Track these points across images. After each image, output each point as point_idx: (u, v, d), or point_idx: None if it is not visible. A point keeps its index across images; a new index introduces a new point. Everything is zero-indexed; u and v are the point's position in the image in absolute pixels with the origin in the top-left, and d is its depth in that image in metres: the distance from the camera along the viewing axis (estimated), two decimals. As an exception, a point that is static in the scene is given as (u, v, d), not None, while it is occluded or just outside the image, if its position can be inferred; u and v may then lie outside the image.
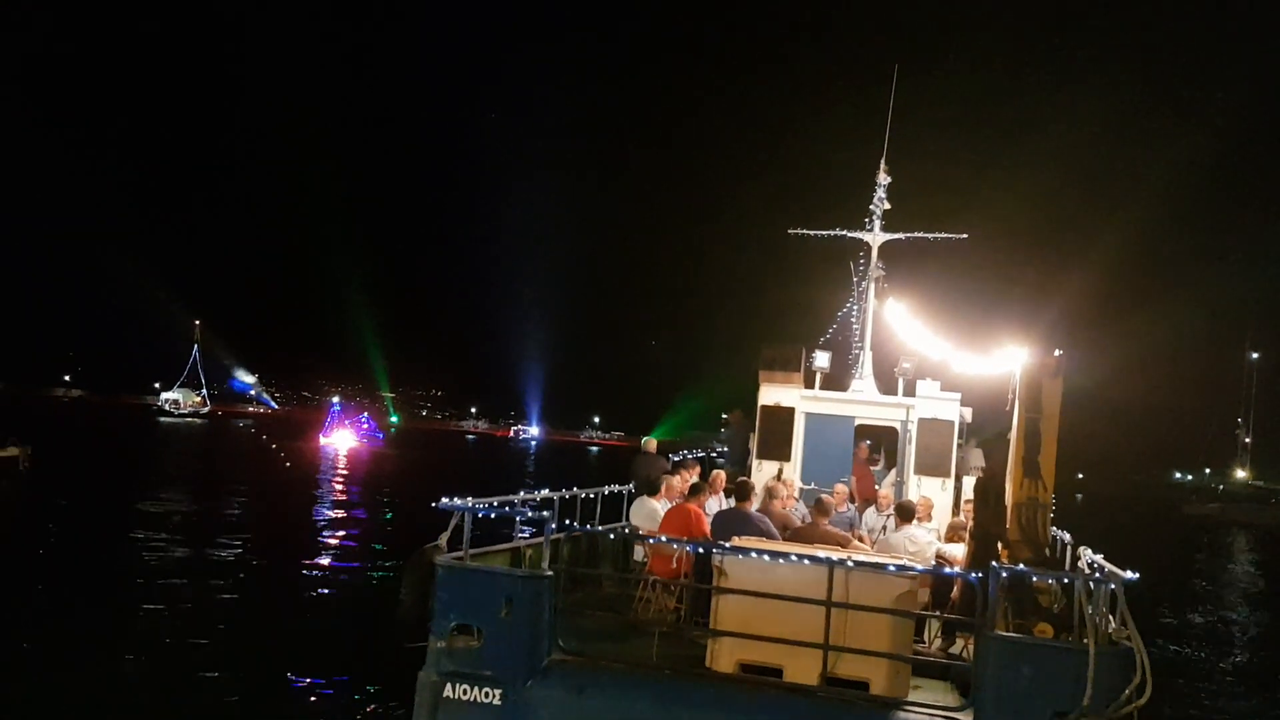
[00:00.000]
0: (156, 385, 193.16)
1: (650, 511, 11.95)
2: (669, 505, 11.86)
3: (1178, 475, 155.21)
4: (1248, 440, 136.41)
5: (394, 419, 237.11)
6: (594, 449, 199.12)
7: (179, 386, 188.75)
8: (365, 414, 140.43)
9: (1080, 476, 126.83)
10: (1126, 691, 7.63)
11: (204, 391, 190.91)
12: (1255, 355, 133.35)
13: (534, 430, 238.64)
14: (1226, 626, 32.32)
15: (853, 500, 14.22)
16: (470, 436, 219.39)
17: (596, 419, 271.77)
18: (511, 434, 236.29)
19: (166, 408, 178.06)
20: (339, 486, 56.95)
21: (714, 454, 16.72)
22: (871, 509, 13.93)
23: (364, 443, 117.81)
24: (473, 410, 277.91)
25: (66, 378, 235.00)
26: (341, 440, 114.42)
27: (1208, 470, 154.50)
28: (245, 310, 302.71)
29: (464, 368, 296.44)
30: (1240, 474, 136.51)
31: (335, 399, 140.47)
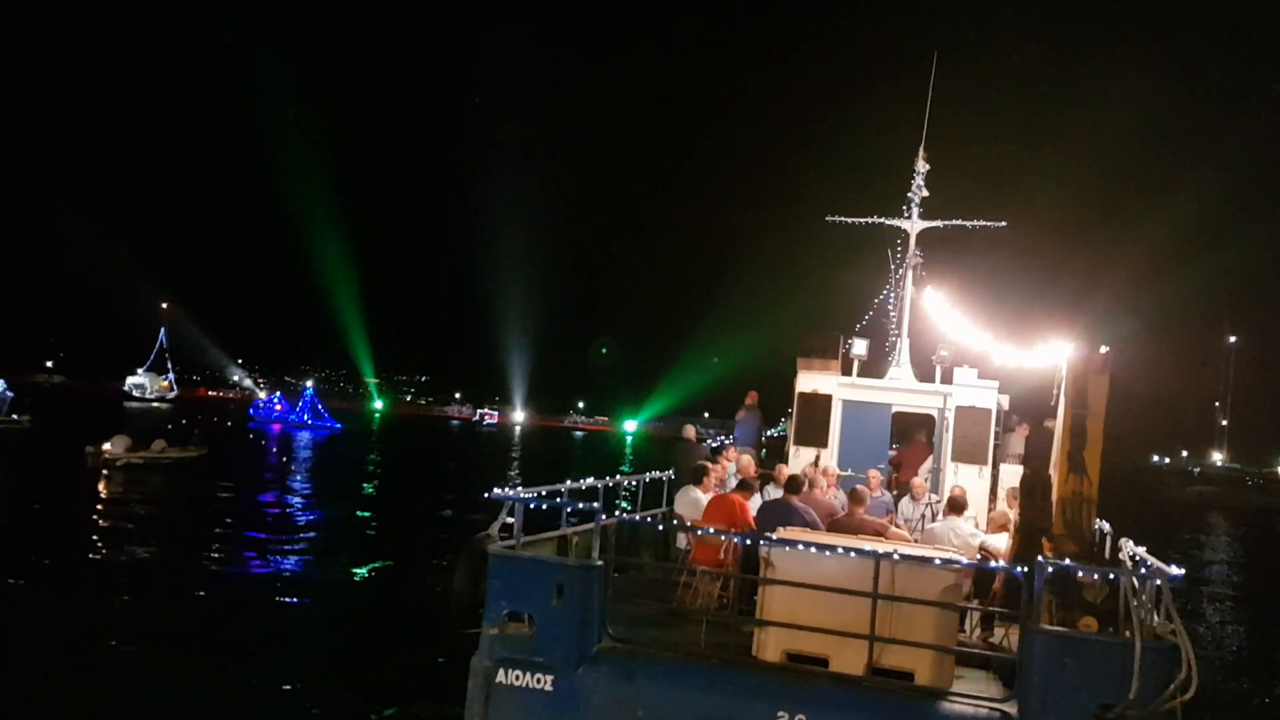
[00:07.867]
0: (139, 370, 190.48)
1: (694, 500, 12.19)
2: (711, 494, 11.96)
3: (1155, 459, 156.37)
4: (1225, 423, 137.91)
5: (378, 403, 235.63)
6: (578, 434, 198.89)
7: (145, 370, 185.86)
8: (281, 394, 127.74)
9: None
10: (1172, 687, 7.79)
11: (170, 376, 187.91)
12: (1233, 339, 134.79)
13: (519, 415, 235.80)
14: (1222, 613, 32.64)
15: (891, 488, 14.28)
16: (455, 422, 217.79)
17: (581, 404, 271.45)
18: (475, 417, 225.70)
19: (134, 393, 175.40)
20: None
21: (730, 438, 16.77)
22: (906, 498, 14.01)
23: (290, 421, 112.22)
24: (457, 395, 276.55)
25: (49, 364, 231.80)
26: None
27: (1185, 453, 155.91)
28: (226, 295, 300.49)
29: (449, 353, 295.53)
30: (1217, 457, 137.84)
31: (309, 384, 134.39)
